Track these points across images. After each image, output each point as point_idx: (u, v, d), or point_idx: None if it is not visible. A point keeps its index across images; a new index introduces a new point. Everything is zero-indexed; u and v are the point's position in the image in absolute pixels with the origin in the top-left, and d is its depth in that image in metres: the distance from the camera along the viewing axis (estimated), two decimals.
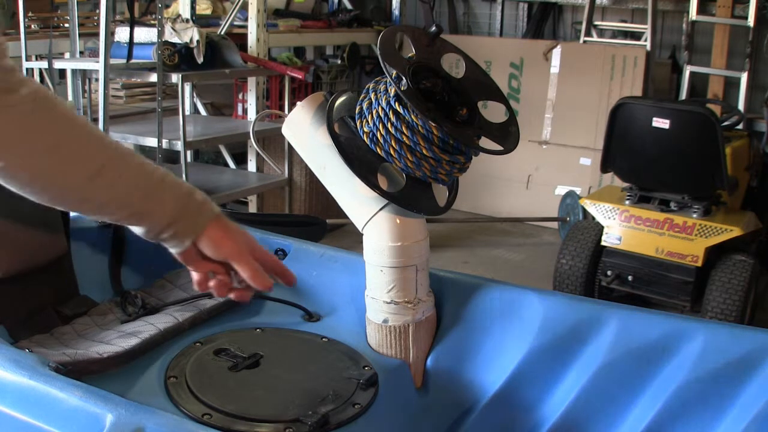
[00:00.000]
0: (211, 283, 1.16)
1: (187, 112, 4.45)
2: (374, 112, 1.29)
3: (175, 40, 3.97)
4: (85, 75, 4.16)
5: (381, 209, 1.34)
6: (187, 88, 4.68)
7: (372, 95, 1.31)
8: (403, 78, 1.24)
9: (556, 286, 3.54)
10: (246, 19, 4.49)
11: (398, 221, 1.34)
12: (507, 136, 1.33)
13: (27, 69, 4.21)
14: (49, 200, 1.06)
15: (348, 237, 4.07)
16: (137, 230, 1.12)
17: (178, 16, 4.36)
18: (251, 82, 4.53)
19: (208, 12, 5.04)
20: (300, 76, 4.52)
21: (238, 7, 4.54)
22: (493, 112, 1.42)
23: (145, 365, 1.28)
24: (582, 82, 4.85)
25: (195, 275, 1.16)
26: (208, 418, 1.16)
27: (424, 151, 1.27)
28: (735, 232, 3.21)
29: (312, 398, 1.22)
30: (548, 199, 4.88)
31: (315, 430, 1.14)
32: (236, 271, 1.15)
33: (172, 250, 1.15)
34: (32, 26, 4.67)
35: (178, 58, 3.93)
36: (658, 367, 1.26)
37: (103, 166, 1.04)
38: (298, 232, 1.73)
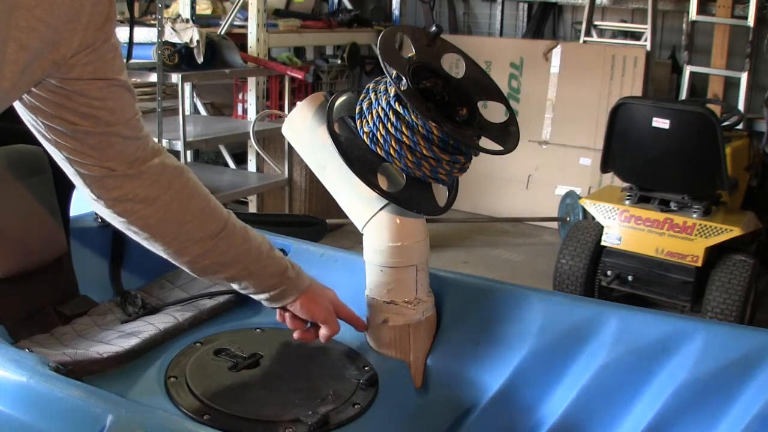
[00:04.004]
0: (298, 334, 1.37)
1: (187, 112, 4.45)
2: (374, 112, 1.29)
3: (175, 40, 3.96)
4: None
5: (381, 209, 1.34)
6: (187, 88, 4.68)
7: (372, 95, 1.31)
8: (403, 78, 1.24)
9: (556, 286, 3.54)
10: (246, 19, 4.49)
11: (398, 221, 1.34)
12: (507, 136, 1.33)
13: None
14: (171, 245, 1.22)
15: (348, 237, 4.07)
16: (240, 288, 1.30)
17: (178, 16, 4.35)
18: (251, 82, 4.53)
19: (208, 12, 5.03)
20: (300, 76, 4.52)
21: (238, 7, 4.54)
22: (493, 112, 1.42)
23: (145, 365, 1.28)
24: (582, 82, 4.84)
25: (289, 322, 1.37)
26: (208, 418, 1.16)
27: (424, 151, 1.27)
28: (735, 232, 3.21)
29: (312, 398, 1.22)
30: (548, 199, 4.88)
31: (315, 430, 1.14)
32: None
33: (272, 305, 1.34)
34: None
35: (178, 58, 3.93)
36: (658, 367, 1.26)
37: (223, 229, 1.23)
38: (298, 232, 1.74)
